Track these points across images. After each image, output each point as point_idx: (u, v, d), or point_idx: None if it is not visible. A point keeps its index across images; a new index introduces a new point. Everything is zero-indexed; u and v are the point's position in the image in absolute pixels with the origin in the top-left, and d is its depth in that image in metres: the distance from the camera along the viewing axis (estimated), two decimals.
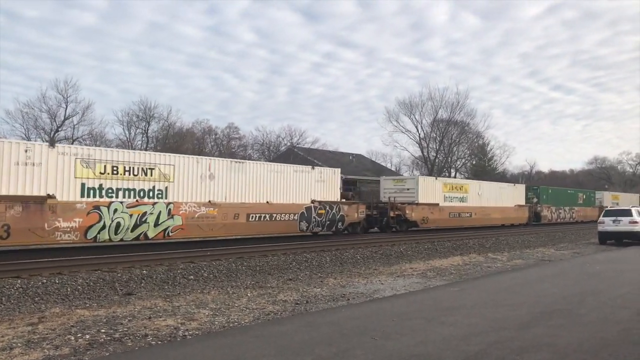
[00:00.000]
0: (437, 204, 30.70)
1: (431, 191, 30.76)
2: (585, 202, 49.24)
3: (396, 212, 28.53)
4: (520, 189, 40.95)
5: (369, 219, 27.47)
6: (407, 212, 28.41)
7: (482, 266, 16.58)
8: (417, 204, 29.34)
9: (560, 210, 44.54)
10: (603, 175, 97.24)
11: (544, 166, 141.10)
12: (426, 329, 7.04)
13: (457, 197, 32.72)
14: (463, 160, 76.20)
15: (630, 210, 26.16)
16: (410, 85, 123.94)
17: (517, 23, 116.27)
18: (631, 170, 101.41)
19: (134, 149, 54.58)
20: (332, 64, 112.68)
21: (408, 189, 30.13)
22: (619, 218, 25.46)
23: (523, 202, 40.02)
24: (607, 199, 53.37)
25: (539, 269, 15.39)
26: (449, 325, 7.28)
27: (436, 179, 32.90)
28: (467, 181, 35.41)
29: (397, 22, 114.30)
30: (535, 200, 41.20)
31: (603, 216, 26.63)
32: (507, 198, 37.78)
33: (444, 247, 22.65)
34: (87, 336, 7.02)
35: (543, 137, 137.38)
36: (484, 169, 73.93)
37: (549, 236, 30.95)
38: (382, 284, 12.67)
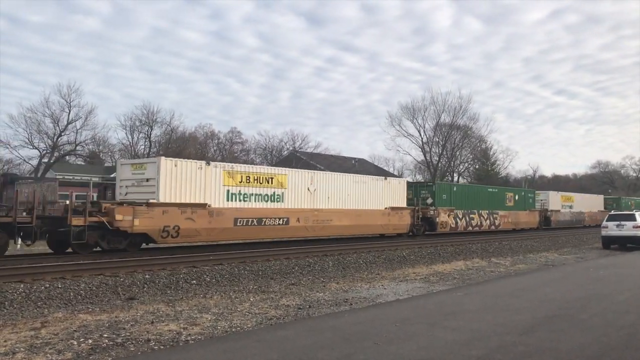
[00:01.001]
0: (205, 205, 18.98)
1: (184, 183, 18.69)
2: (517, 204, 38.10)
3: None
4: (396, 184, 28.43)
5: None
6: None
7: (485, 271, 16.54)
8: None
9: (471, 215, 33.07)
10: (606, 180, 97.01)
11: (547, 170, 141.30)
12: (429, 334, 7.03)
13: (262, 195, 20.94)
14: (466, 165, 76.26)
15: (634, 214, 26.10)
16: (413, 90, 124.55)
17: (520, 28, 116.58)
18: (634, 174, 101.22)
19: (137, 154, 54.74)
20: (334, 69, 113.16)
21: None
22: (623, 222, 25.39)
23: (403, 204, 28.11)
24: (555, 200, 43.63)
25: (542, 273, 15.35)
26: (451, 330, 7.26)
27: (208, 164, 19.70)
28: (285, 170, 22.73)
29: (400, 26, 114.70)
30: (429, 201, 29.88)
31: (607, 221, 26.55)
32: (372, 197, 26.09)
33: (446, 252, 22.61)
34: (90, 341, 7.02)
35: (546, 142, 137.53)
36: (487, 173, 73.90)
37: (552, 241, 30.86)
38: (384, 288, 12.65)
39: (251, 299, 10.94)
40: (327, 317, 8.71)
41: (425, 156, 70.48)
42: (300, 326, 7.82)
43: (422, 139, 69.27)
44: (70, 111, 50.49)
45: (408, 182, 31.40)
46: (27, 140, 48.59)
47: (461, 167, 75.48)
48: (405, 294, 11.67)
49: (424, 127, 68.97)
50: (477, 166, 77.14)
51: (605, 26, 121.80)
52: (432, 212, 29.73)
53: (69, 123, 50.71)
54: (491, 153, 77.36)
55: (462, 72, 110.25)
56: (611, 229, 25.70)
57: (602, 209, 50.64)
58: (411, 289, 12.61)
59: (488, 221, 34.65)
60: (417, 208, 28.89)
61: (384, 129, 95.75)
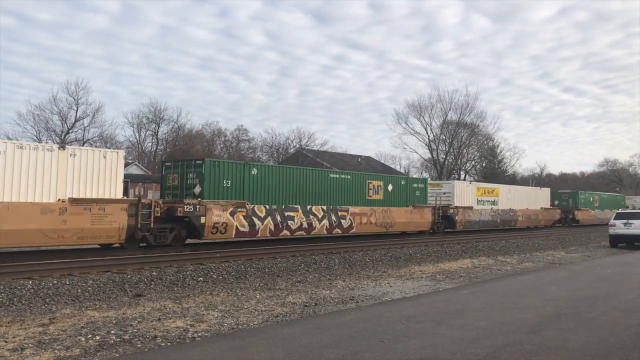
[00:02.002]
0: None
1: None
2: (390, 198, 26.78)
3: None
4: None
5: None
6: None
7: (492, 269, 16.50)
8: None
9: (288, 213, 21.84)
10: (614, 178, 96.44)
11: (555, 168, 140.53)
12: (435, 332, 7.02)
13: None
14: (473, 163, 75.98)
15: None
16: (420, 87, 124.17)
17: (528, 25, 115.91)
18: None
19: (144, 151, 54.92)
20: (341, 66, 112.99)
21: None
22: (631, 221, 25.23)
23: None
24: (465, 193, 32.89)
25: (549, 272, 15.30)
26: (458, 328, 7.25)
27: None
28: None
29: (408, 24, 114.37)
30: (197, 190, 19.49)
31: (614, 219, 26.41)
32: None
33: (453, 250, 22.56)
34: (97, 337, 7.07)
35: (554, 139, 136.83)
36: (494, 171, 73.62)
37: (559, 239, 30.74)
38: (391, 286, 12.65)
39: (257, 296, 10.97)
40: (333, 314, 8.72)
41: (431, 154, 70.33)
42: (307, 324, 7.83)
43: (428, 136, 69.16)
44: (78, 109, 50.88)
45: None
46: (35, 138, 48.89)
47: (468, 165, 75.31)
48: (412, 292, 11.67)
49: (431, 124, 68.85)
50: (484, 164, 76.88)
51: (614, 23, 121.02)
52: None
53: (76, 120, 51.08)
54: (498, 151, 77.10)
55: (470, 69, 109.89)
56: (619, 227, 25.55)
57: (548, 206, 42.38)
58: (417, 287, 12.60)
59: (326, 221, 23.24)
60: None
61: (390, 127, 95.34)
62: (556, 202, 45.02)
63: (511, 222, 36.64)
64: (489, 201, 34.59)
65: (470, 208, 32.42)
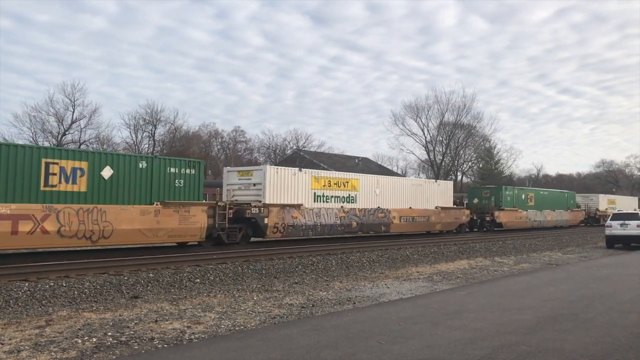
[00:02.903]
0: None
1: None
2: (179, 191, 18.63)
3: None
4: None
5: None
6: None
7: (489, 270, 16.52)
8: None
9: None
10: (610, 179, 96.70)
11: (552, 170, 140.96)
12: (432, 333, 7.03)
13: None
14: (470, 164, 76.12)
15: (637, 214, 26.03)
16: (418, 89, 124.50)
17: (526, 27, 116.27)
18: (639, 173, 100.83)
19: (141, 153, 54.84)
20: (339, 68, 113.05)
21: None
22: (627, 222, 25.31)
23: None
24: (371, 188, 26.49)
25: (545, 272, 15.32)
26: (455, 329, 7.26)
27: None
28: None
29: (406, 25, 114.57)
30: None
31: (611, 220, 26.49)
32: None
33: (450, 251, 22.58)
34: (94, 339, 7.05)
35: (550, 140, 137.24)
36: (490, 172, 73.75)
37: (555, 240, 30.81)
38: (388, 287, 12.65)
39: (255, 298, 10.96)
40: (330, 316, 8.72)
41: (428, 155, 70.43)
42: (304, 325, 7.83)
43: (425, 137, 69.26)
44: (74, 110, 50.76)
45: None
46: (31, 139, 48.77)
47: (465, 166, 75.45)
48: (409, 293, 11.67)
49: (428, 126, 68.97)
50: (480, 165, 77.04)
51: (610, 25, 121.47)
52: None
53: (73, 122, 50.95)
54: (495, 152, 77.29)
55: (467, 71, 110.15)
56: (615, 228, 25.62)
57: (451, 204, 32.47)
58: (414, 288, 12.61)
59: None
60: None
61: (387, 128, 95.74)
62: (475, 201, 36.78)
63: (380, 227, 27.05)
64: (339, 197, 25.26)
65: (297, 207, 22.80)
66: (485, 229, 35.69)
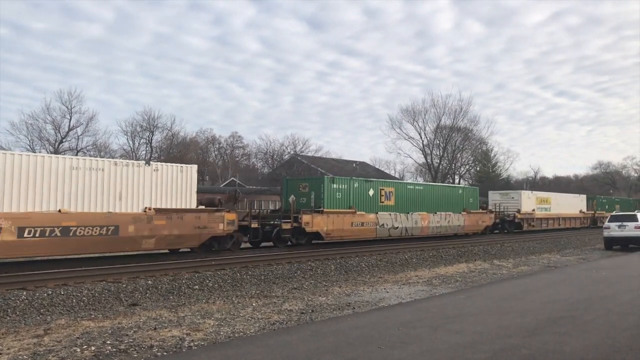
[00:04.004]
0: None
1: None
2: None
3: None
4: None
5: None
6: None
7: (488, 273, 16.52)
8: None
9: None
10: (607, 180, 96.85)
11: (549, 172, 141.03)
12: (432, 338, 7.02)
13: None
14: (467, 167, 76.21)
15: (635, 215, 26.07)
16: (415, 93, 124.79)
17: (521, 30, 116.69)
18: (636, 175, 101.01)
19: (138, 159, 54.79)
20: (336, 73, 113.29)
21: None
22: (625, 223, 25.35)
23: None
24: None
25: (544, 275, 15.32)
26: (455, 333, 7.25)
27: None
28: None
29: (402, 30, 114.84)
30: None
31: (609, 221, 26.53)
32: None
33: (449, 255, 22.58)
34: (93, 347, 7.02)
35: (547, 143, 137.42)
36: (488, 175, 73.87)
37: (554, 242, 30.83)
38: (387, 292, 12.63)
39: (254, 304, 10.93)
40: (330, 321, 8.70)
41: (426, 159, 70.54)
42: (304, 331, 7.81)
43: (422, 141, 69.37)
44: (71, 117, 50.64)
45: None
46: (28, 147, 48.66)
47: (462, 169, 75.51)
48: (408, 297, 11.66)
49: (425, 129, 69.07)
50: (478, 168, 77.14)
51: (606, 27, 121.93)
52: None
53: (70, 129, 50.83)
54: (492, 155, 77.40)
55: (464, 74, 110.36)
56: (613, 229, 25.66)
57: (192, 204, 19.33)
58: (414, 292, 12.60)
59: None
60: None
61: (384, 132, 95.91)
62: (291, 199, 24.33)
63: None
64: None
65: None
66: (289, 243, 23.11)
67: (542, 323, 7.91)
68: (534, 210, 39.38)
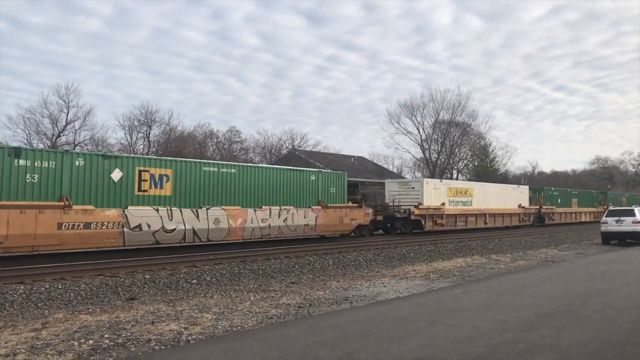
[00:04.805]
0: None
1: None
2: None
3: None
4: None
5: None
6: None
7: (485, 268, 16.55)
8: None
9: None
10: (605, 175, 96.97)
11: (546, 167, 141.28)
12: (430, 332, 7.03)
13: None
14: (465, 162, 76.23)
15: (633, 210, 26.11)
16: (413, 87, 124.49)
17: (520, 25, 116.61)
18: (633, 169, 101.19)
19: (136, 154, 54.66)
20: (335, 67, 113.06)
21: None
22: (622, 218, 25.39)
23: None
24: None
25: (542, 270, 15.35)
26: (452, 327, 7.26)
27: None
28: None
29: (401, 25, 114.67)
30: None
31: (606, 216, 26.58)
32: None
33: (446, 249, 22.61)
34: (91, 341, 7.02)
35: (545, 138, 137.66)
36: (486, 170, 73.89)
37: (551, 237, 30.89)
38: (385, 286, 12.65)
39: (252, 298, 10.93)
40: (327, 315, 8.70)
41: (424, 153, 70.53)
42: (301, 325, 7.81)
43: (420, 136, 69.37)
44: (68, 112, 50.46)
45: None
46: (26, 141, 48.52)
47: (460, 164, 75.54)
48: (406, 292, 11.67)
49: (423, 124, 69.06)
50: (476, 163, 77.16)
51: (604, 22, 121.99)
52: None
53: (67, 123, 50.67)
54: (490, 150, 77.41)
55: (462, 69, 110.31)
56: (610, 224, 25.71)
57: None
58: (411, 286, 12.61)
59: None
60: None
61: (383, 127, 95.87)
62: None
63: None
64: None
65: None
66: None
67: (539, 317, 7.92)
68: (443, 204, 30.96)
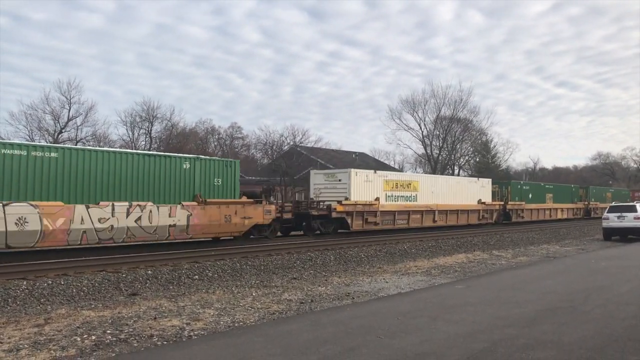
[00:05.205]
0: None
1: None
2: None
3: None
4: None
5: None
6: None
7: (487, 263, 16.56)
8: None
9: None
10: (607, 171, 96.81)
11: (548, 163, 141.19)
12: (431, 327, 7.04)
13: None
14: (466, 158, 76.09)
15: (634, 206, 26.09)
16: (415, 83, 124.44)
17: (522, 20, 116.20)
18: (635, 165, 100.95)
19: (137, 149, 54.69)
20: (337, 63, 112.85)
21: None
22: (624, 214, 25.38)
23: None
24: None
25: (543, 265, 15.36)
26: (454, 323, 7.28)
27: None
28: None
29: (403, 20, 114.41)
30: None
31: (608, 212, 26.56)
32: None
33: (448, 245, 22.63)
34: (93, 337, 7.05)
35: (547, 134, 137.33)
36: (487, 165, 73.79)
37: (553, 233, 30.88)
38: (386, 282, 12.67)
39: (253, 294, 10.96)
40: (329, 311, 8.72)
41: (425, 149, 70.38)
42: (303, 321, 7.84)
43: (422, 132, 69.17)
44: (70, 108, 50.40)
45: None
46: (27, 137, 48.53)
47: (462, 160, 75.41)
48: (407, 288, 11.69)
49: (424, 120, 68.86)
50: (477, 159, 77.04)
51: (607, 18, 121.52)
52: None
53: (69, 120, 50.61)
54: (492, 146, 77.22)
55: (464, 65, 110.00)
56: (612, 220, 25.70)
57: None
58: (413, 282, 12.63)
59: None
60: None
61: (384, 123, 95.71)
62: None
63: None
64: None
65: None
66: None
67: (540, 313, 7.93)
68: (377, 199, 25.89)
